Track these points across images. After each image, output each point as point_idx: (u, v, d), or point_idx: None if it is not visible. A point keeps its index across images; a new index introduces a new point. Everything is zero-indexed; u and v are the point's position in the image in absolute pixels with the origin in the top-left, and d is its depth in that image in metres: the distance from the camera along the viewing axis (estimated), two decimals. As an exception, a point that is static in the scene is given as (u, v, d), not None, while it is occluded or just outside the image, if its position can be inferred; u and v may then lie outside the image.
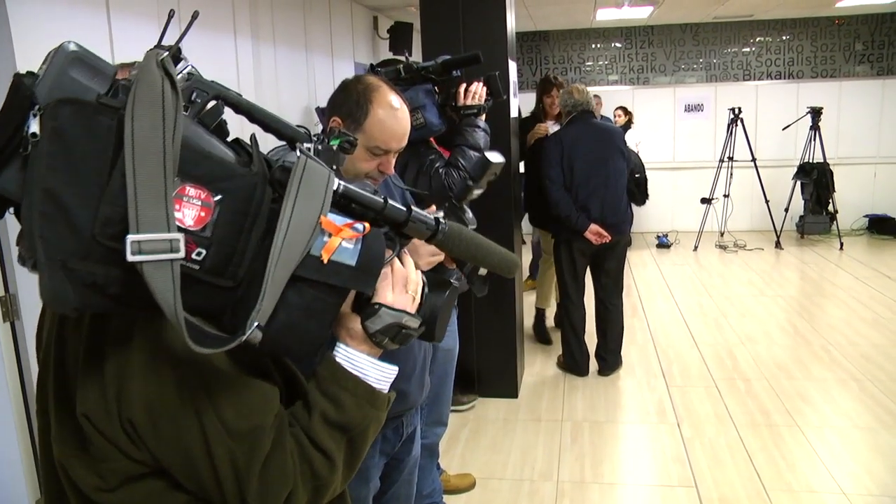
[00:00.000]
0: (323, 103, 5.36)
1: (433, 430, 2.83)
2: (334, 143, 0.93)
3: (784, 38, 9.02)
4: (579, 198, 4.21)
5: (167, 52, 0.76)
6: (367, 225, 0.85)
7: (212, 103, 0.84)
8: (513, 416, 3.99)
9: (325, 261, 0.82)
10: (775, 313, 5.77)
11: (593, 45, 9.39)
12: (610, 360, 4.54)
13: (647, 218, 8.73)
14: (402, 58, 2.85)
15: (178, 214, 0.74)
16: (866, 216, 8.85)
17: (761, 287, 6.58)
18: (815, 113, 8.11)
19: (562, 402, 4.15)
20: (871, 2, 7.65)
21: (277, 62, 4.54)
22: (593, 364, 4.59)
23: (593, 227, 4.19)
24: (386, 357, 1.00)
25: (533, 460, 3.51)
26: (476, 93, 2.80)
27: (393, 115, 1.69)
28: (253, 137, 0.85)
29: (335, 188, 0.85)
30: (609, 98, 8.96)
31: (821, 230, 8.47)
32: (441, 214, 1.01)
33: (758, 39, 9.09)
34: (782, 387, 4.25)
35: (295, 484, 0.89)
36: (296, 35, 4.92)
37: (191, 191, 0.76)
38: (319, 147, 0.90)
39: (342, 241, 0.83)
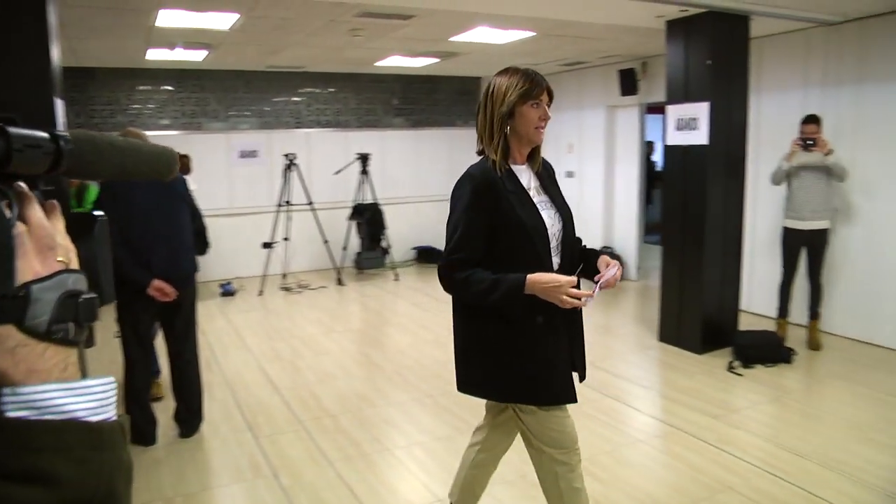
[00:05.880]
0: None
1: None
2: None
3: (331, 90, 9.56)
4: (140, 251, 3.60)
5: None
6: None
7: None
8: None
9: None
10: (347, 347, 5.87)
11: (141, 87, 8.65)
12: (193, 421, 4.00)
13: (209, 267, 8.26)
14: None
15: None
16: (414, 248, 9.93)
17: (330, 324, 6.68)
18: (363, 158, 8.78)
19: (146, 480, 3.44)
20: (402, 64, 8.55)
21: None
22: (169, 431, 4.00)
23: (156, 282, 3.62)
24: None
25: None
26: None
27: None
28: None
29: None
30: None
31: (376, 264, 9.11)
32: None
33: (308, 90, 9.46)
34: (367, 416, 4.25)
35: None
36: None
37: None
38: None
39: None
